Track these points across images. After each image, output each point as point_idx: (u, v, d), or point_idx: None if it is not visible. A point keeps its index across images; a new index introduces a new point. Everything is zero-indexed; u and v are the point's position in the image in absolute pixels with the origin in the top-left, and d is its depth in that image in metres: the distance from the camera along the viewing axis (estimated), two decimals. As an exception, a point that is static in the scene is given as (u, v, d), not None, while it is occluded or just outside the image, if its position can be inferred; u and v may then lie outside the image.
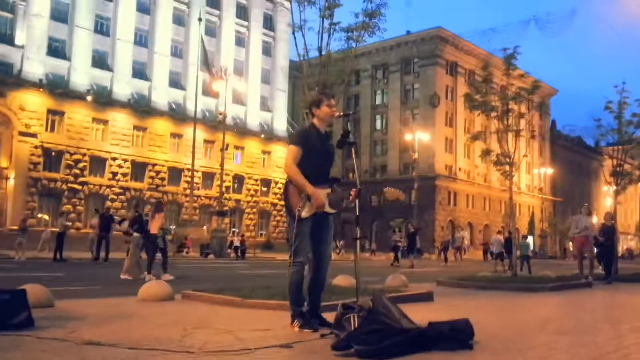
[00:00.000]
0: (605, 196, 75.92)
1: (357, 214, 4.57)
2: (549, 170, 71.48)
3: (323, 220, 4.72)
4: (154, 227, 13.63)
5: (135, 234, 13.87)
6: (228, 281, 13.03)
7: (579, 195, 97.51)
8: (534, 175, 75.96)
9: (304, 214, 4.58)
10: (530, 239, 73.54)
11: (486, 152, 13.24)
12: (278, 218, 69.62)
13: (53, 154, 51.02)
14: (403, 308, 6.97)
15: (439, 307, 7.00)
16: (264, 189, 68.60)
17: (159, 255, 13.67)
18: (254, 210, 66.93)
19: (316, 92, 4.90)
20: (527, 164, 73.53)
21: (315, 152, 4.68)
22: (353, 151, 4.64)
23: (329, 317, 4.96)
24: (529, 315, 6.02)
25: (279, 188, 69.89)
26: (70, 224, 22.27)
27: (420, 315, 6.10)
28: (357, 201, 4.56)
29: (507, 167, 12.57)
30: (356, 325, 3.77)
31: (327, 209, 4.68)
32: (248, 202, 66.10)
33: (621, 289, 11.81)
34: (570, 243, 13.86)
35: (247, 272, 17.92)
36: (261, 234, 67.12)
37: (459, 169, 71.26)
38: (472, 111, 13.45)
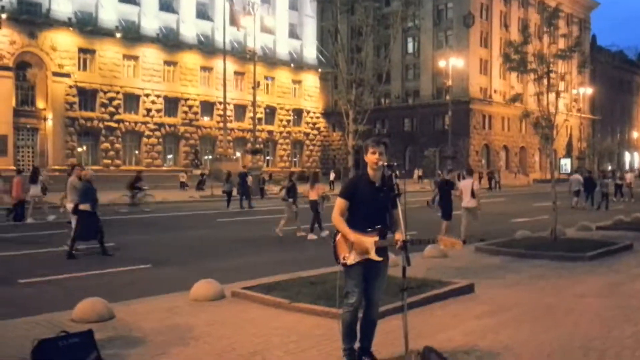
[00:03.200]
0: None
1: (404, 266, 4.68)
2: (589, 90, 69.22)
3: (373, 266, 4.88)
4: (313, 194, 15.78)
5: (290, 200, 16.12)
6: (270, 252, 13.42)
7: (619, 113, 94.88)
8: (573, 95, 73.66)
9: (350, 261, 4.77)
10: (568, 161, 72.39)
11: (525, 115, 12.99)
12: (311, 148, 69.94)
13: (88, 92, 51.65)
14: (445, 307, 7.21)
15: (481, 308, 7.18)
16: (296, 118, 68.60)
17: None
18: (287, 140, 67.28)
19: (367, 139, 4.90)
20: (565, 83, 71.22)
21: (363, 201, 4.79)
22: (398, 202, 4.70)
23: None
24: (572, 331, 6.15)
25: (311, 117, 69.77)
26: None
27: (463, 326, 6.32)
28: (403, 253, 4.66)
29: (547, 131, 12.38)
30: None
31: (374, 256, 4.82)
32: (280, 132, 66.40)
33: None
34: None
35: (286, 229, 18.20)
36: (295, 163, 67.63)
37: (494, 91, 69.66)
38: (510, 72, 13.10)
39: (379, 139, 4.89)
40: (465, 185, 14.59)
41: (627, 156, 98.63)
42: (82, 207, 12.09)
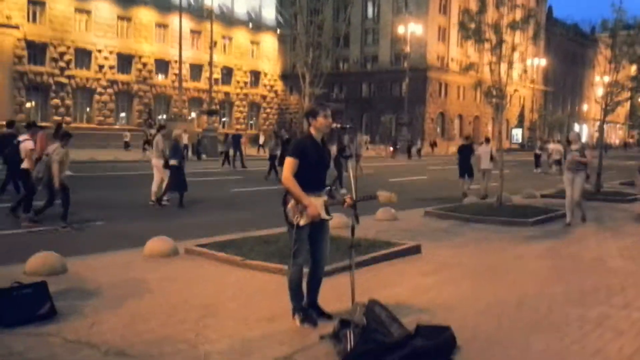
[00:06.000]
0: (596, 88, 75.87)
1: (353, 224, 4.90)
2: (542, 62, 70.68)
3: (320, 225, 5.08)
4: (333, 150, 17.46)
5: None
6: (223, 211, 13.54)
7: (571, 85, 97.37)
8: (527, 66, 75.02)
9: (302, 222, 4.93)
10: (519, 131, 74.10)
11: (478, 84, 13.34)
12: (268, 110, 69.49)
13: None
14: (392, 266, 7.54)
15: (427, 267, 7.54)
16: (254, 80, 67.87)
17: None
18: (244, 102, 66.62)
19: (313, 103, 5.03)
20: (520, 53, 72.28)
21: (311, 162, 4.94)
22: (349, 163, 4.89)
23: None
24: (508, 288, 6.56)
25: (269, 80, 69.16)
26: None
27: (408, 284, 6.65)
28: (353, 212, 4.87)
29: (498, 100, 12.75)
30: (352, 343, 4.23)
31: (324, 216, 5.03)
32: (237, 94, 65.62)
33: (604, 217, 12.39)
34: None
35: (240, 190, 18.35)
36: (251, 125, 67.19)
37: (451, 60, 70.37)
38: (466, 41, 13.37)
39: (326, 104, 5.06)
40: (484, 151, 17.46)
41: (576, 128, 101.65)
42: (171, 162, 13.80)
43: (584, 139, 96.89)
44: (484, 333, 4.93)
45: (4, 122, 19.78)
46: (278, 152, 21.32)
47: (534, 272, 7.37)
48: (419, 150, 49.38)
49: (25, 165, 11.33)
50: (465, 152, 17.79)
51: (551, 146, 32.33)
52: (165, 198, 13.91)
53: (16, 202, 11.48)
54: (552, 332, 5.03)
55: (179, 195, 13.91)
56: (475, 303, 5.88)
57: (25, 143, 11.42)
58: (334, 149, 17.16)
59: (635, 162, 40.23)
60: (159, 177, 14.23)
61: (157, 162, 14.32)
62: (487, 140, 18.42)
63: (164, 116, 56.63)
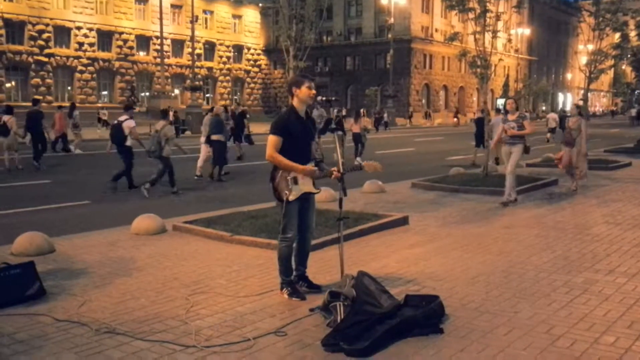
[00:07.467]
0: (580, 56, 75.79)
1: (341, 197, 4.89)
2: (526, 31, 70.53)
3: (307, 199, 5.10)
4: (356, 128, 17.52)
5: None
6: (210, 188, 13.50)
7: (555, 54, 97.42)
8: (511, 35, 74.77)
9: (292, 197, 4.94)
10: (504, 101, 74.05)
11: (462, 54, 13.29)
12: (252, 85, 68.90)
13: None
14: (380, 238, 7.57)
15: (414, 238, 7.58)
16: (237, 55, 67.18)
17: None
18: (227, 78, 65.99)
19: (298, 74, 4.98)
20: (504, 22, 71.54)
21: (295, 136, 4.93)
22: (336, 137, 4.87)
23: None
24: (496, 257, 6.61)
25: (252, 54, 68.47)
26: None
27: (396, 255, 6.70)
28: (340, 185, 4.85)
29: (483, 70, 12.73)
30: (342, 315, 4.26)
31: (312, 189, 5.02)
32: (220, 69, 64.97)
33: (588, 185, 12.52)
34: None
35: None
36: (236, 100, 66.63)
37: (436, 30, 69.87)
38: (449, 11, 13.29)
39: (310, 75, 5.02)
40: (497, 121, 17.40)
41: (560, 97, 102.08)
42: (214, 137, 14.17)
43: (567, 107, 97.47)
44: (473, 302, 4.99)
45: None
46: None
47: (521, 241, 7.44)
48: (386, 123, 46.49)
49: (128, 142, 12.42)
50: (480, 123, 18.46)
51: (548, 115, 34.32)
52: (222, 173, 14.50)
53: (115, 176, 12.55)
54: (539, 299, 5.10)
55: (217, 168, 14.45)
56: (463, 273, 5.93)
57: (127, 122, 12.39)
58: (354, 125, 17.84)
59: (618, 130, 40.53)
60: (207, 154, 14.75)
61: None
62: (498, 110, 19.20)
63: (147, 93, 55.97)
